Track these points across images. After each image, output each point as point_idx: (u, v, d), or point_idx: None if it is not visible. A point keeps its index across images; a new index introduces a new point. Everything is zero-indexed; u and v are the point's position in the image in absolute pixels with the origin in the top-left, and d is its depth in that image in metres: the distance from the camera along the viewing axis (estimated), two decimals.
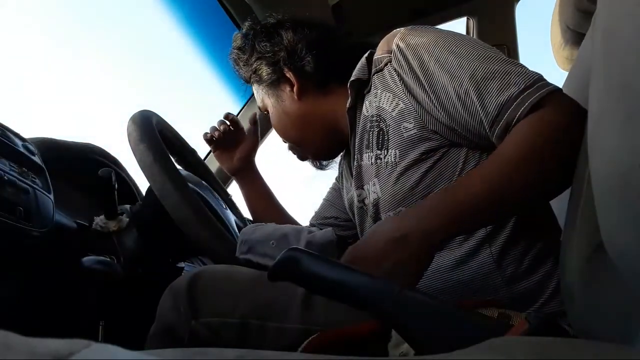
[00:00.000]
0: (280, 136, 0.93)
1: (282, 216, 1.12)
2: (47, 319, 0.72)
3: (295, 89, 0.85)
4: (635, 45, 0.28)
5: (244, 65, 0.90)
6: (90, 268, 0.72)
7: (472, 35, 1.53)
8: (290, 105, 0.87)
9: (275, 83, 0.87)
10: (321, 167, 0.99)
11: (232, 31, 1.44)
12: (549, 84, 0.59)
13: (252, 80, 0.91)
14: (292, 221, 1.11)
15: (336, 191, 1.05)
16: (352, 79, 0.78)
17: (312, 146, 0.90)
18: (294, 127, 0.88)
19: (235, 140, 1.10)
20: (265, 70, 0.86)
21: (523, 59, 1.53)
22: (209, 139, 1.08)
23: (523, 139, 0.56)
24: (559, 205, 0.65)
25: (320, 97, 0.86)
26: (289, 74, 0.84)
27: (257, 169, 1.14)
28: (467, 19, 1.54)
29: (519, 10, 1.49)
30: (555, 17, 0.98)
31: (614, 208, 0.32)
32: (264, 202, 1.12)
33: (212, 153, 1.13)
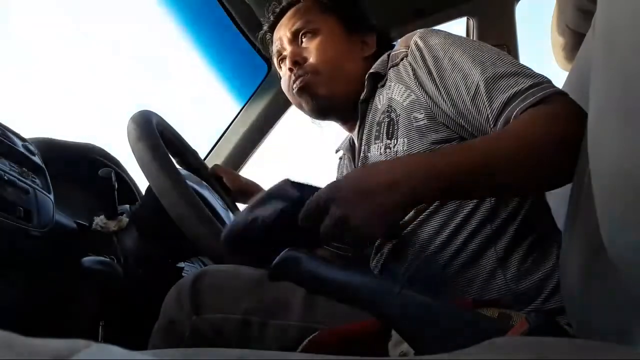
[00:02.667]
0: (319, 58, 0.86)
1: None
2: (47, 319, 0.72)
3: (368, 50, 0.90)
4: (635, 45, 0.28)
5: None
6: (90, 268, 0.72)
7: (472, 35, 1.53)
8: (352, 53, 0.89)
9: (355, 30, 0.90)
10: (311, 112, 0.91)
11: (232, 31, 1.45)
12: (555, 87, 0.61)
13: (335, 5, 0.90)
14: None
15: None
16: (371, 71, 0.82)
17: (332, 87, 0.85)
18: (336, 66, 0.86)
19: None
20: (358, 18, 0.91)
21: (523, 59, 1.53)
22: None
23: (522, 125, 0.57)
24: (559, 205, 0.65)
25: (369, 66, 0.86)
26: (371, 39, 0.91)
27: (257, 188, 1.15)
28: (467, 19, 1.53)
29: (519, 10, 1.49)
30: (555, 17, 0.98)
31: (614, 208, 0.32)
32: None
33: (212, 153, 1.13)
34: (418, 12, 1.47)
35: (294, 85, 0.87)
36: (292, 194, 0.58)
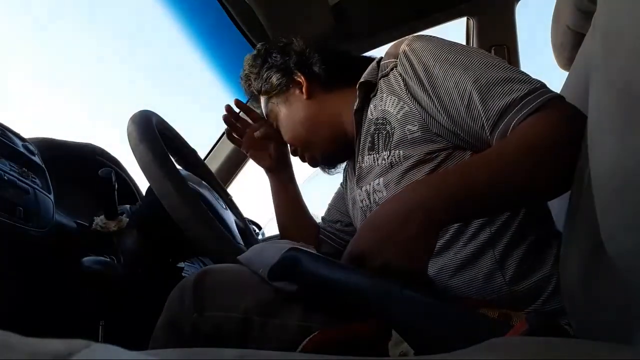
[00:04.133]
0: (289, 140, 0.96)
1: (305, 222, 1.10)
2: (47, 319, 0.72)
3: (304, 89, 0.91)
4: (635, 45, 0.28)
5: (255, 79, 0.97)
6: (90, 268, 0.72)
7: (472, 35, 1.53)
8: (300, 107, 0.92)
9: (285, 88, 0.93)
10: (329, 171, 1.00)
11: (232, 31, 1.45)
12: (550, 91, 0.60)
13: (262, 91, 0.96)
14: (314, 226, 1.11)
15: (340, 195, 1.07)
16: (361, 80, 0.81)
17: (319, 147, 0.92)
18: (303, 128, 0.92)
19: (266, 136, 1.04)
20: (275, 77, 0.93)
21: (523, 59, 1.53)
22: (230, 123, 1.07)
23: (523, 135, 0.56)
24: (559, 205, 0.65)
25: (327, 98, 0.91)
26: (298, 76, 0.91)
27: (291, 173, 1.09)
28: (467, 19, 1.54)
29: (519, 10, 1.49)
30: (555, 17, 0.98)
31: (614, 208, 0.32)
32: (290, 208, 1.09)
33: (212, 153, 1.13)
34: (418, 12, 1.47)
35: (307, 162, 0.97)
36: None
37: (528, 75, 0.63)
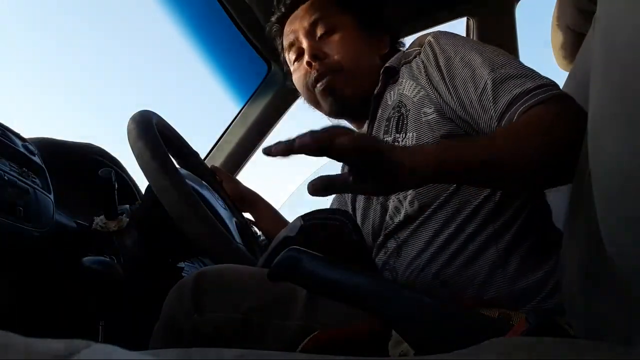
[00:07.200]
0: (341, 54, 0.84)
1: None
2: (47, 319, 0.72)
3: (384, 49, 0.90)
4: (635, 45, 0.28)
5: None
6: (90, 268, 0.72)
7: (472, 35, 1.53)
8: (371, 50, 0.88)
9: (372, 29, 0.90)
10: (336, 110, 0.88)
11: (232, 31, 1.45)
12: (560, 90, 0.62)
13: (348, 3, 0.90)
14: None
15: (340, 200, 1.05)
16: (387, 65, 0.82)
17: (355, 82, 0.84)
18: (358, 60, 0.85)
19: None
20: (374, 17, 0.91)
21: (523, 59, 1.52)
22: None
23: (526, 119, 0.59)
24: (559, 205, 0.65)
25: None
26: (385, 37, 0.91)
27: (256, 197, 1.19)
28: (467, 19, 1.53)
29: (519, 11, 1.49)
30: (555, 17, 0.98)
31: (614, 208, 0.32)
32: (271, 224, 1.16)
33: (212, 153, 1.13)
34: (418, 12, 1.47)
35: (318, 85, 0.84)
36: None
37: (541, 74, 0.66)
